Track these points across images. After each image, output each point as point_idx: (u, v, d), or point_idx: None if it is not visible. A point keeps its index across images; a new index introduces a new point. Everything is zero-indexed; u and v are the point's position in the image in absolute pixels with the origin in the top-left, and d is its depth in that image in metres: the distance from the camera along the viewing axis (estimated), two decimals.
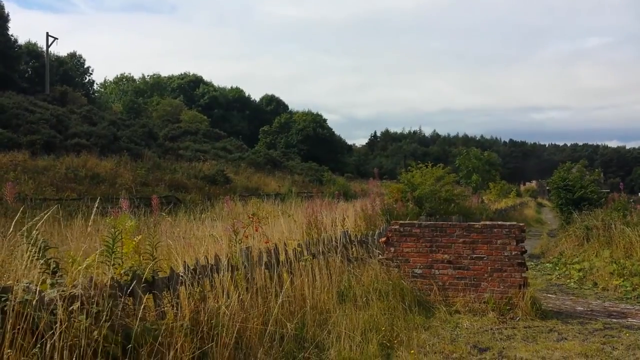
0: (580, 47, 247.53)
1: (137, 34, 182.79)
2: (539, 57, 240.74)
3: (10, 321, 3.28)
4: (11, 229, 4.13)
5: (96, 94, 63.11)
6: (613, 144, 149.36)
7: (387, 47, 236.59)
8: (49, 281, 3.88)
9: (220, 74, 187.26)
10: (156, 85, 73.85)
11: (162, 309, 4.37)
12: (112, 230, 4.40)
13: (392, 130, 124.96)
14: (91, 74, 59.83)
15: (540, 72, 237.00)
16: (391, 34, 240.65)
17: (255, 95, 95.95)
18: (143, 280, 4.27)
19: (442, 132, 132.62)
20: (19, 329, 3.30)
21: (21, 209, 4.15)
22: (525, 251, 7.70)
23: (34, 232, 4.01)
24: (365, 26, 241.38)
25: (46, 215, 4.32)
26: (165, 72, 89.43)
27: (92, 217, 5.06)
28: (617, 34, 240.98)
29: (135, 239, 4.73)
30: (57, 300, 3.54)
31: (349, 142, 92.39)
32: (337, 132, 75.36)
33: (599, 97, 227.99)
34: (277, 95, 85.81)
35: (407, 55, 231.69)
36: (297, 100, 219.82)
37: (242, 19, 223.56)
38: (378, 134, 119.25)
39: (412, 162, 18.35)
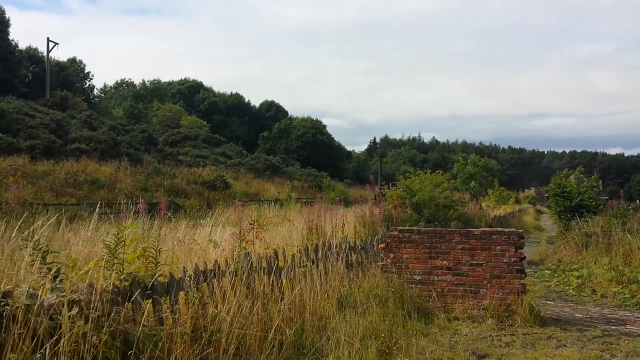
0: (594, 52, 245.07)
1: (137, 38, 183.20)
2: (552, 61, 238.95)
3: (10, 326, 3.28)
4: (14, 234, 4.15)
5: (96, 99, 63.23)
6: (614, 151, 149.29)
7: (398, 50, 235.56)
8: (47, 286, 3.88)
9: (222, 78, 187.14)
10: (156, 91, 74.00)
11: (161, 315, 4.37)
12: (116, 235, 4.41)
13: (392, 136, 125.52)
14: (91, 79, 60.19)
15: (551, 77, 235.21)
16: (402, 37, 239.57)
17: (255, 100, 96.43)
18: (142, 285, 4.28)
19: (445, 138, 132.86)
20: (20, 333, 3.31)
21: (24, 215, 4.17)
22: (524, 258, 7.71)
23: (37, 236, 4.02)
24: (376, 29, 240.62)
25: (50, 221, 4.34)
26: (165, 77, 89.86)
27: (92, 222, 5.07)
28: (632, 38, 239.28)
29: (140, 246, 4.73)
30: (56, 305, 3.55)
31: (354, 148, 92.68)
32: (343, 138, 76.34)
33: (609, 102, 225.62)
34: (278, 101, 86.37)
35: (419, 59, 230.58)
36: (302, 105, 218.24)
37: (245, 23, 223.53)
38: (378, 140, 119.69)
39: (410, 168, 18.37)
